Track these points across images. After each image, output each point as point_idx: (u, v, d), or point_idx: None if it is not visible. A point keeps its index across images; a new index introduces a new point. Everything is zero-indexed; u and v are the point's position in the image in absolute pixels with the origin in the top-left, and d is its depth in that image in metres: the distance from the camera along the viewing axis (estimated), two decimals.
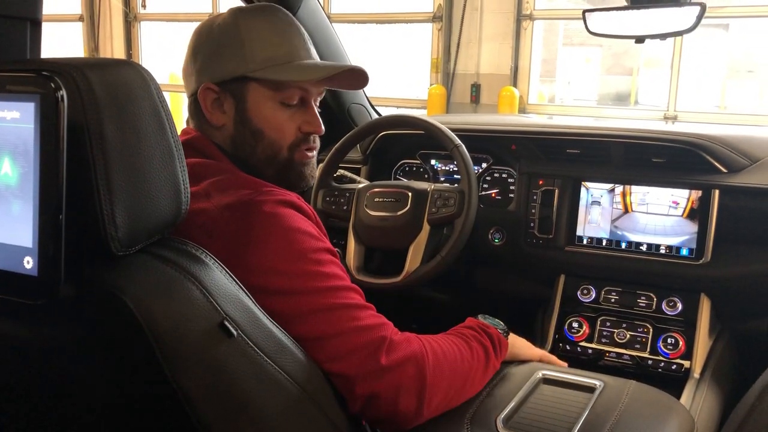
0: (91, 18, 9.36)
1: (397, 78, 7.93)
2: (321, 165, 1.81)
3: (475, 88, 7.15)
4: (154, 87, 0.79)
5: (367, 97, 2.14)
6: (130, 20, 9.28)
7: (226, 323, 0.79)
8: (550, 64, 8.02)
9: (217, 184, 1.00)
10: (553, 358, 1.32)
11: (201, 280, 0.79)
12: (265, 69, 1.07)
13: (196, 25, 1.16)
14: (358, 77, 1.15)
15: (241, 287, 0.85)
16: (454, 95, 7.27)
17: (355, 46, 6.81)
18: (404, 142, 1.93)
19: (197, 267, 0.80)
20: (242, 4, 1.15)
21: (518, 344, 1.26)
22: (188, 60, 1.13)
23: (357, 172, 1.93)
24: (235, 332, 0.80)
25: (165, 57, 8.99)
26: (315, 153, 1.16)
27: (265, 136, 1.09)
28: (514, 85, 6.96)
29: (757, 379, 1.61)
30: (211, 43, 1.10)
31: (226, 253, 0.89)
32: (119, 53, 9.22)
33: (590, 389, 1.09)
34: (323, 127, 1.13)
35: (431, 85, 7.28)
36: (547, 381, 1.13)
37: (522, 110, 6.94)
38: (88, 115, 0.72)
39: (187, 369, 0.76)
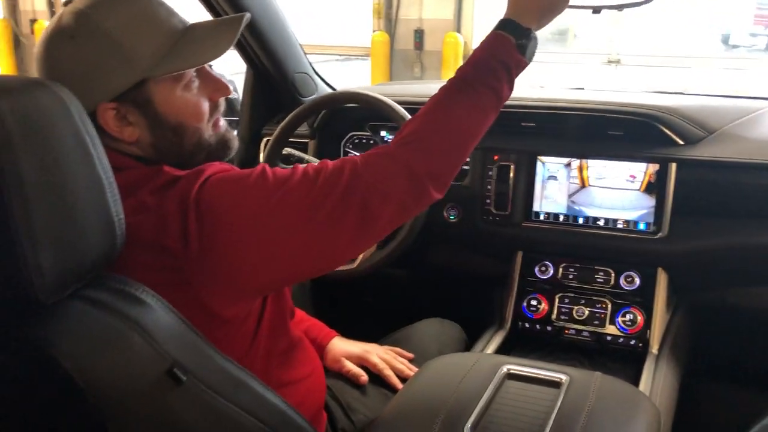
0: None
1: (339, 24, 7.73)
2: (267, 144, 1.72)
3: (419, 35, 7.02)
4: (75, 111, 0.69)
5: (311, 64, 2.03)
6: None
7: (174, 370, 0.73)
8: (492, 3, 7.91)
9: (154, 188, 0.92)
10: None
11: (143, 325, 0.72)
12: (158, 65, 0.94)
13: None
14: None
15: (188, 325, 0.78)
16: (397, 42, 7.13)
17: None
18: (353, 115, 1.85)
19: (138, 310, 0.73)
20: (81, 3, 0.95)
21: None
22: None
23: (305, 146, 1.84)
24: (184, 378, 0.73)
25: None
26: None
27: (187, 127, 1.00)
28: (458, 30, 6.85)
29: (712, 350, 1.64)
30: (83, 60, 0.92)
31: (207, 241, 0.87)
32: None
33: (556, 384, 1.07)
34: (229, 85, 1.05)
35: (374, 31, 7.10)
36: (511, 377, 1.10)
37: (466, 56, 6.86)
38: (1, 155, 0.62)
39: (134, 425, 0.70)
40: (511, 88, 1.05)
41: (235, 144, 1.09)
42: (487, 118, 1.03)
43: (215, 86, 1.03)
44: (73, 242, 0.68)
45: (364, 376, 1.32)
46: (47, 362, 0.66)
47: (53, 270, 0.66)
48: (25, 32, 8.83)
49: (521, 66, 1.05)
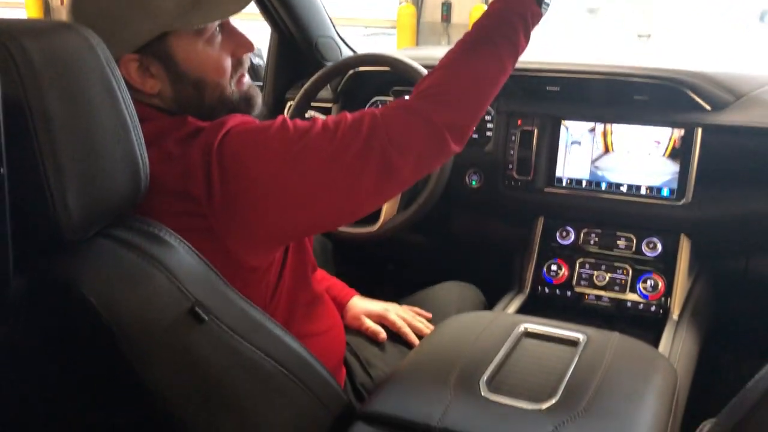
0: None
1: None
2: (289, 106, 1.72)
3: (446, 7, 6.94)
4: (102, 53, 0.71)
5: (335, 29, 2.03)
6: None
7: (197, 309, 0.74)
8: None
9: (178, 138, 0.93)
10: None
11: (166, 265, 0.74)
12: (181, 17, 0.95)
13: None
14: None
15: (210, 267, 0.79)
16: (424, 15, 7.06)
17: None
18: (377, 79, 1.84)
19: (161, 250, 0.74)
20: None
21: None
22: None
23: (328, 111, 1.85)
24: (206, 317, 0.75)
25: None
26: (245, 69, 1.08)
27: (207, 83, 1.00)
28: (486, 2, 6.77)
29: (733, 318, 1.63)
30: (107, 11, 0.94)
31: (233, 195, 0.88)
32: None
33: (573, 343, 1.07)
34: (253, 42, 1.05)
35: (400, 3, 7.04)
36: (529, 335, 1.10)
37: None
38: (28, 91, 0.64)
39: (157, 361, 0.72)
40: (527, 40, 1.05)
41: (259, 101, 1.09)
42: (504, 70, 1.04)
43: (238, 42, 1.03)
44: (100, 182, 0.70)
45: (383, 334, 1.34)
46: (74, 296, 0.68)
47: (80, 209, 0.68)
48: (55, 4, 8.91)
49: (537, 17, 1.05)
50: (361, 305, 1.40)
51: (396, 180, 0.97)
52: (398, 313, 1.39)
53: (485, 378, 0.97)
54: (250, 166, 0.91)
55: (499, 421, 0.87)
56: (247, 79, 1.08)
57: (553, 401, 0.91)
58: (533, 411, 0.89)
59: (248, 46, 1.04)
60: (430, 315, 1.43)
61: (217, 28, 1.01)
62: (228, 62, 1.02)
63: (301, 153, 0.92)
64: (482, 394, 0.94)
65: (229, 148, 0.91)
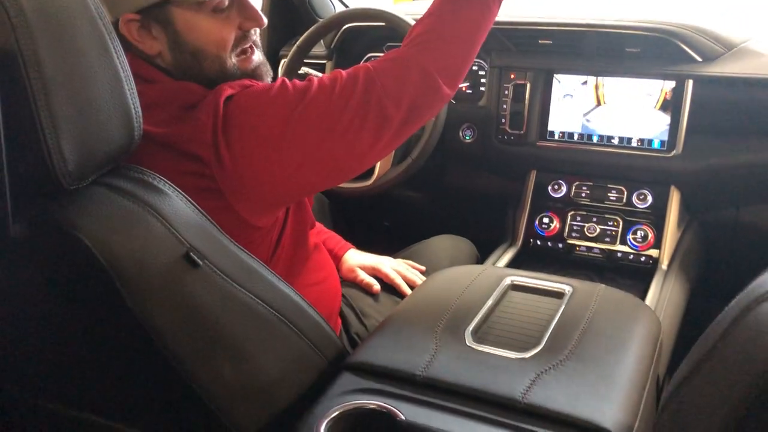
0: None
1: None
2: (283, 63, 1.73)
3: None
4: (93, 5, 0.72)
5: None
6: None
7: (191, 254, 0.77)
8: None
9: (185, 103, 0.95)
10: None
11: (161, 211, 0.76)
12: None
13: None
14: None
15: (204, 215, 0.81)
16: None
17: None
18: (370, 35, 1.84)
19: (156, 197, 0.76)
20: None
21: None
22: None
23: (322, 67, 1.85)
24: (200, 262, 0.78)
25: None
26: (256, 45, 1.07)
27: (207, 54, 0.99)
28: None
29: (721, 267, 1.66)
30: None
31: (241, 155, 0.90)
32: None
33: (560, 295, 1.08)
34: (264, 17, 1.03)
35: None
36: (515, 287, 1.11)
37: None
38: (20, 41, 0.65)
39: (154, 304, 0.74)
40: None
41: (268, 80, 1.08)
42: (490, 12, 1.04)
43: (248, 15, 1.01)
44: (93, 130, 0.71)
45: (377, 286, 1.37)
46: (72, 241, 0.70)
47: (75, 157, 0.70)
48: None
49: None
50: (356, 258, 1.43)
51: (393, 130, 0.98)
52: (392, 266, 1.42)
53: (471, 328, 0.97)
54: (253, 129, 0.93)
55: (482, 370, 0.88)
56: (257, 57, 1.06)
57: (537, 350, 0.92)
58: (517, 359, 0.90)
59: (257, 20, 1.02)
60: (423, 268, 1.46)
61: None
62: (231, 35, 1.01)
63: (303, 113, 0.94)
64: (467, 343, 0.94)
65: (234, 112, 0.93)
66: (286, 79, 0.98)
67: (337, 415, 0.81)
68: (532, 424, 0.78)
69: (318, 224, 1.41)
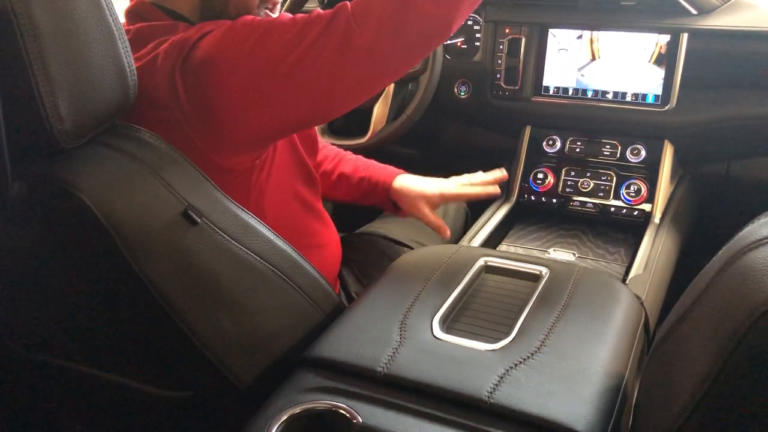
0: None
1: None
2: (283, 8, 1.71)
3: None
4: None
5: None
6: None
7: (189, 212, 0.78)
8: None
9: (160, 42, 0.91)
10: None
11: (158, 170, 0.77)
12: None
13: None
14: None
15: (201, 173, 0.82)
16: None
17: None
18: None
19: (153, 156, 0.77)
20: None
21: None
22: None
23: None
24: (198, 220, 0.79)
25: None
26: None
27: (236, 6, 0.98)
28: None
29: (712, 220, 1.68)
30: None
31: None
32: None
33: (535, 277, 1.02)
34: None
35: None
36: (489, 269, 1.06)
37: None
38: (13, 1, 0.65)
39: (153, 261, 0.76)
40: None
41: None
42: None
43: None
44: (89, 90, 0.72)
45: (448, 232, 1.31)
46: (71, 200, 0.71)
47: (71, 116, 0.70)
48: None
49: None
50: (415, 186, 1.31)
51: (359, 50, 0.89)
52: (460, 182, 1.32)
53: (439, 316, 0.91)
54: (210, 68, 0.87)
55: (448, 365, 0.81)
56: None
57: (508, 340, 0.86)
58: (485, 352, 0.84)
59: None
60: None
61: None
62: None
63: (259, 43, 0.88)
64: (434, 334, 0.88)
65: (194, 54, 0.88)
66: (256, 17, 0.93)
67: (288, 417, 0.75)
68: (498, 426, 0.73)
69: (359, 157, 1.35)
